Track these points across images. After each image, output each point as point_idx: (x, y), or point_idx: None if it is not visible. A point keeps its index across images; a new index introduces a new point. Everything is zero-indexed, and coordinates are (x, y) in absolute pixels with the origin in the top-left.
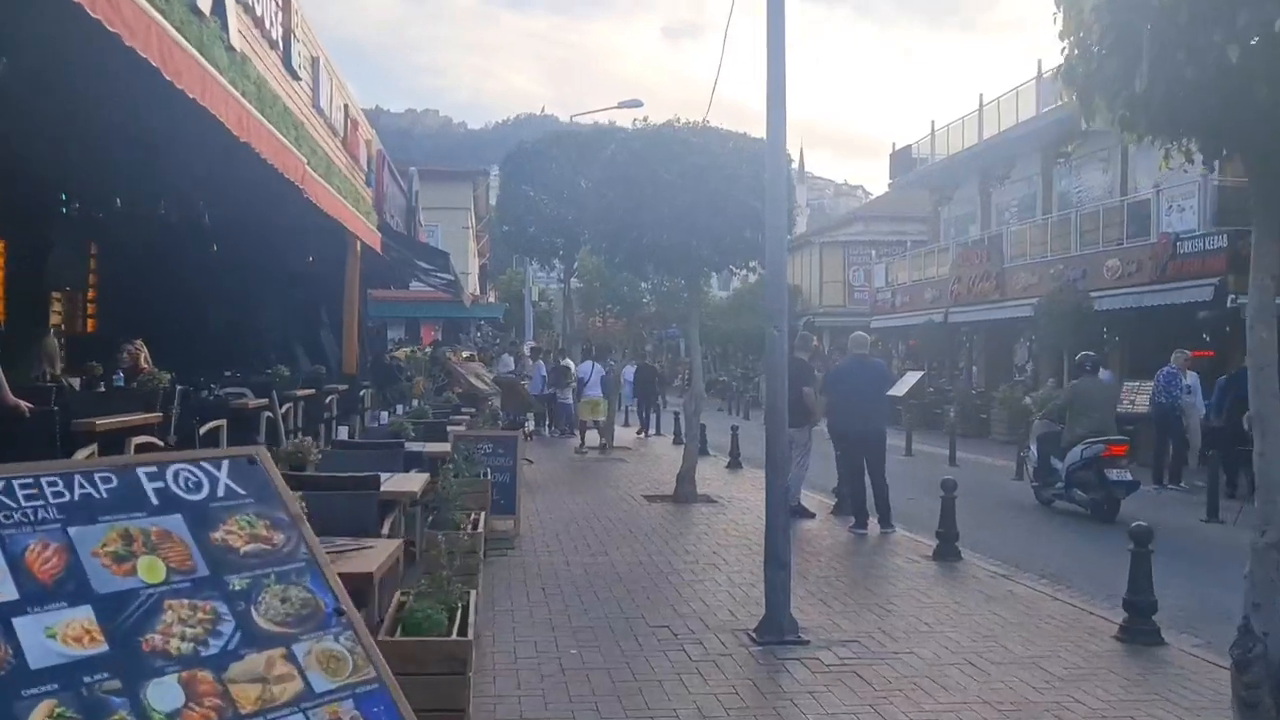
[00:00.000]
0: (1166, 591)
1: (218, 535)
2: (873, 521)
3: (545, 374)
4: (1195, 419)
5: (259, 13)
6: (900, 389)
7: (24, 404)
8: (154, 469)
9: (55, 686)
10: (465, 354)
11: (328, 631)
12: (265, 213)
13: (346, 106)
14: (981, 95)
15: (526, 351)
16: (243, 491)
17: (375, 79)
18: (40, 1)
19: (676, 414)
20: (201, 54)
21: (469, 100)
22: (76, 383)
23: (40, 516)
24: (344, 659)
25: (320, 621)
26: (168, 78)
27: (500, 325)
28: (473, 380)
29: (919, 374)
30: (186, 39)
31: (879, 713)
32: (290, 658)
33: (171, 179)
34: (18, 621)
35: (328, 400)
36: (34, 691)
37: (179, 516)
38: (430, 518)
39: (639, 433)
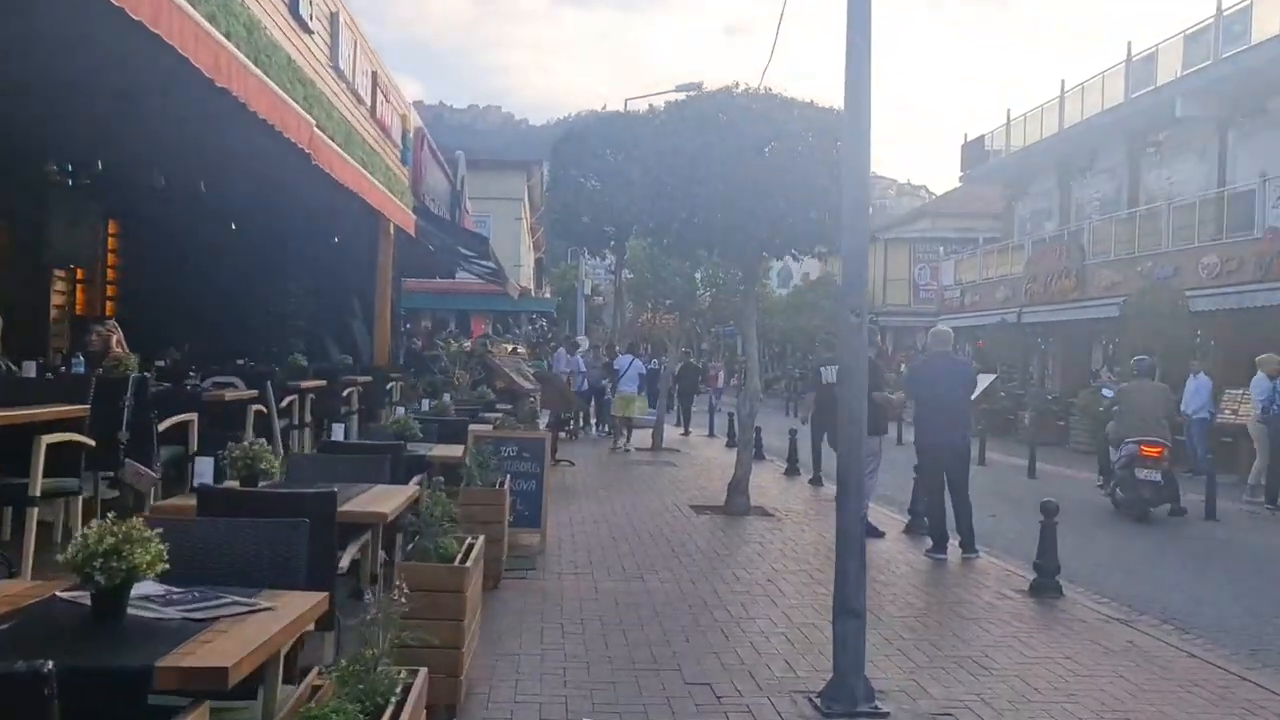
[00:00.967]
0: None
1: None
2: (953, 545)
3: (585, 369)
4: None
5: None
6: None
7: None
8: None
9: None
10: (510, 348)
11: None
12: (280, 187)
13: (375, 74)
14: (1063, 81)
15: (583, 343)
16: None
17: (441, 78)
18: None
19: (730, 415)
20: None
21: (531, 97)
22: (33, 367)
23: None
24: None
25: None
26: (116, 4)
27: (554, 320)
28: (513, 375)
29: (992, 376)
30: None
31: None
32: None
33: (165, 144)
34: None
35: (345, 393)
36: None
37: None
38: (410, 545)
39: (683, 432)
